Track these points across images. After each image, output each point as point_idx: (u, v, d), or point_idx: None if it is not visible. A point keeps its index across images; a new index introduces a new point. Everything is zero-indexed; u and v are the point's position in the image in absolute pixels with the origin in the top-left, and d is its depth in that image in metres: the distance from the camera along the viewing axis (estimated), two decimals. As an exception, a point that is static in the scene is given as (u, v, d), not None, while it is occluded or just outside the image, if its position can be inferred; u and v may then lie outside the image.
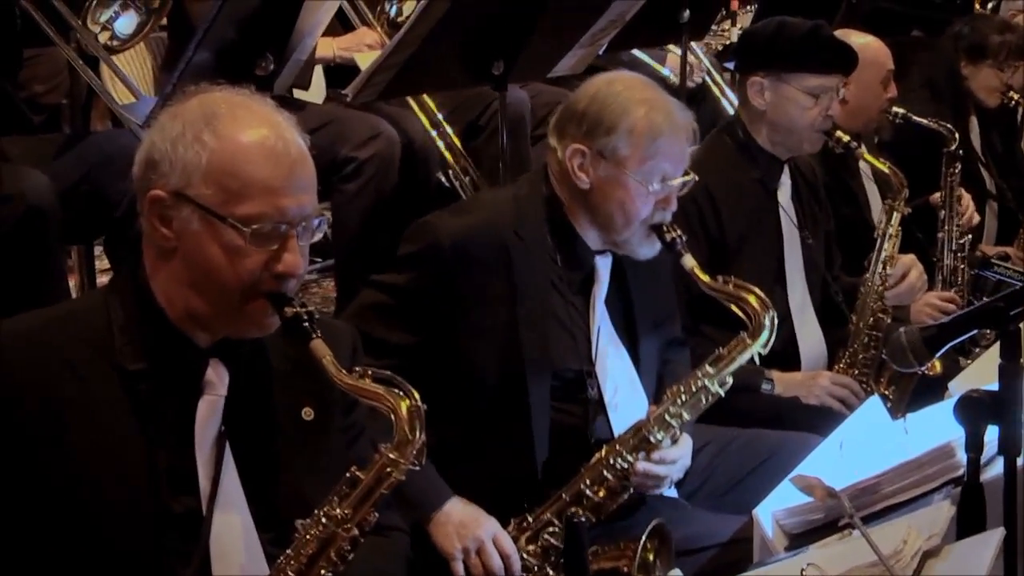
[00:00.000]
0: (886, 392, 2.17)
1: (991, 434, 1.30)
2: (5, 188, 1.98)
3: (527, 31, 2.36)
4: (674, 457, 1.73)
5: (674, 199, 1.78)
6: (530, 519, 1.76)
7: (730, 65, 3.20)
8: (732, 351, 1.73)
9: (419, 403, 1.31)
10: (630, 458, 1.72)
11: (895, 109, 2.75)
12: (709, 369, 1.73)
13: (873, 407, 1.79)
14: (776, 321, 1.74)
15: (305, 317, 1.32)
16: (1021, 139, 3.70)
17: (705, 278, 1.77)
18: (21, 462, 1.35)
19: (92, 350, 1.38)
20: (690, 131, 1.83)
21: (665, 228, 1.78)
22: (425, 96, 2.80)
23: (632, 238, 1.79)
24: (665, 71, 3.52)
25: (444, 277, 1.78)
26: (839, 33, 2.54)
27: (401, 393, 1.31)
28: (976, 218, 2.84)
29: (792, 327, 2.28)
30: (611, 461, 1.71)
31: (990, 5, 4.27)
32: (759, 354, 1.77)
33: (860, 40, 2.61)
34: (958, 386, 1.76)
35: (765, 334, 1.73)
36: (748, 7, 4.07)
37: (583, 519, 1.63)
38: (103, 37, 2.05)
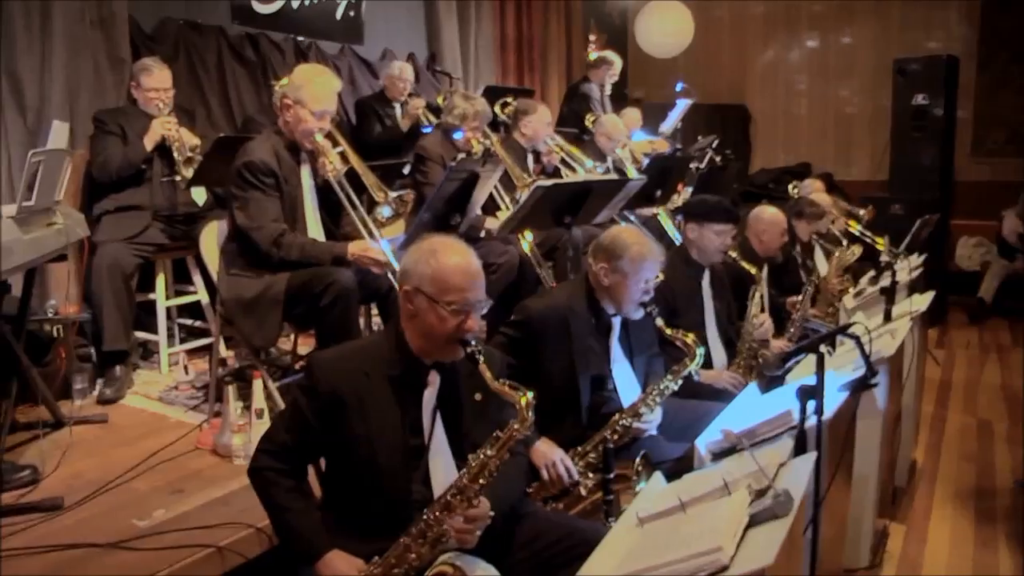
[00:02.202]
0: (756, 381, 2.85)
1: (810, 406, 1.97)
2: (329, 278, 3.01)
3: (583, 200, 3.76)
4: (652, 420, 2.81)
5: (652, 289, 2.89)
6: (579, 449, 2.79)
7: (680, 217, 4.56)
8: (681, 367, 2.85)
9: (531, 398, 1.94)
10: (630, 420, 2.79)
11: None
12: (670, 376, 2.85)
13: (751, 389, 2.60)
14: (703, 350, 2.87)
15: (477, 352, 1.99)
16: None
17: (667, 329, 2.90)
18: (339, 423, 2.03)
19: (374, 364, 2.07)
20: (660, 256, 2.93)
21: (647, 304, 2.88)
22: (528, 231, 3.94)
23: (630, 309, 2.89)
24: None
25: (533, 333, 2.86)
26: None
27: (522, 392, 1.95)
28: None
29: (709, 350, 3.52)
30: (622, 422, 2.79)
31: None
32: (696, 368, 2.87)
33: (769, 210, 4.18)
34: (793, 378, 2.56)
35: (698, 358, 2.85)
36: (688, 187, 5.57)
37: (611, 446, 2.63)
38: (378, 215, 3.26)
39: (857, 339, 2.21)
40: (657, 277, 2.94)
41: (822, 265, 5.33)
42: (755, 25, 9.37)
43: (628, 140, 5.97)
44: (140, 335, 4.33)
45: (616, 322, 2.99)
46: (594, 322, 2.95)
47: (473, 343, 2.01)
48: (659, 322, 2.92)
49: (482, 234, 4.27)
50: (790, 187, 6.44)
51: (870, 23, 8.78)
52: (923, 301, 3.73)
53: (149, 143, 4.15)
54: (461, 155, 4.34)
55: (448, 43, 7.59)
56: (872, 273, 4.78)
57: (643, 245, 2.91)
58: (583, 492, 2.71)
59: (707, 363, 3.43)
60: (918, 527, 3.46)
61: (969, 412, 4.99)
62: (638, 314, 2.94)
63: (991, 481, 3.96)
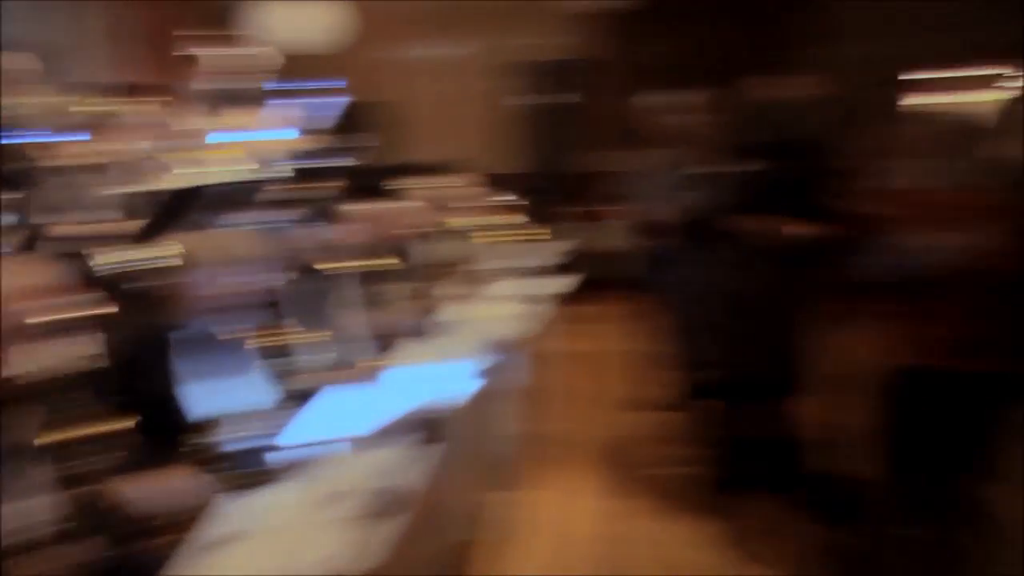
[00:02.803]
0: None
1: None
2: None
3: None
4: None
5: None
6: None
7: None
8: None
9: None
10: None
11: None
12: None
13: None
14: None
15: None
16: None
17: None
18: None
19: None
20: None
21: None
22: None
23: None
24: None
25: None
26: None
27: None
28: None
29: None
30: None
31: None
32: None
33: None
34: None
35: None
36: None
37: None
38: None
39: (479, 322, 2.31)
40: None
41: (459, 256, 5.59)
42: (404, 21, 9.60)
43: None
44: None
45: None
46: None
47: None
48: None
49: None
50: (434, 182, 6.68)
51: (510, 22, 9.36)
52: (559, 283, 4.06)
53: None
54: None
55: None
56: (515, 260, 5.11)
57: None
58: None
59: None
60: (529, 492, 3.76)
61: (595, 379, 5.56)
62: None
63: (600, 440, 4.43)
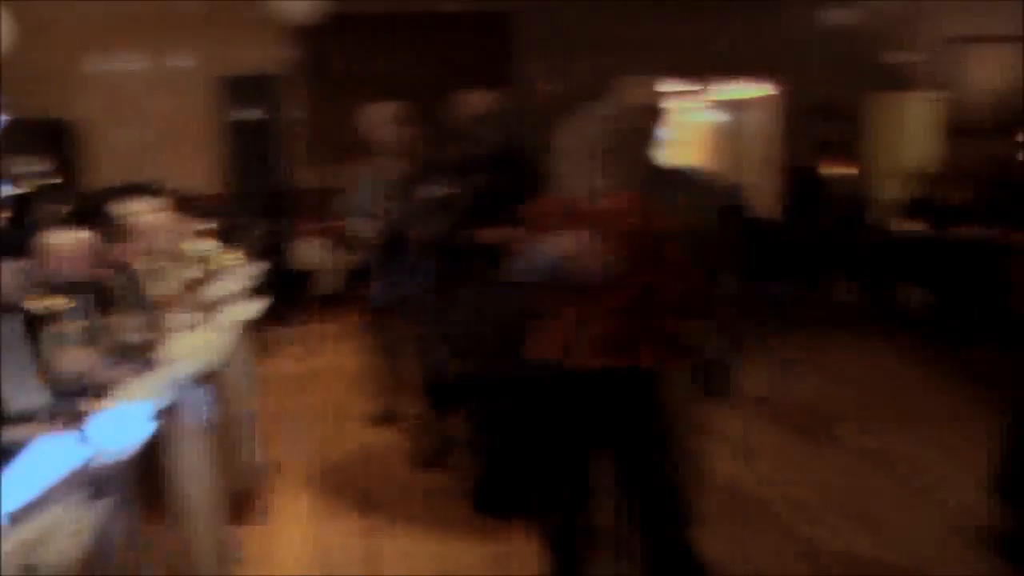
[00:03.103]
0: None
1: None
2: None
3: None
4: None
5: None
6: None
7: None
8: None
9: None
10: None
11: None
12: None
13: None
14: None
15: None
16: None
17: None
18: None
19: None
20: None
21: None
22: None
23: None
24: None
25: None
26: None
27: None
28: None
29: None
30: None
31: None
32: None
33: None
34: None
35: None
36: None
37: None
38: None
39: (183, 354, 2.16)
40: None
41: (164, 287, 5.22)
42: (83, 33, 8.77)
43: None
44: None
45: None
46: None
47: None
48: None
49: None
50: (125, 206, 6.17)
51: (202, 37, 8.91)
52: (254, 308, 3.91)
53: None
54: None
55: None
56: (220, 285, 4.83)
57: None
58: None
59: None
60: (269, 522, 3.63)
61: (319, 399, 5.45)
62: None
63: (333, 460, 4.36)
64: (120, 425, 1.77)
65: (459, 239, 3.22)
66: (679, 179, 2.35)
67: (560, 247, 2.21)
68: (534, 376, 2.35)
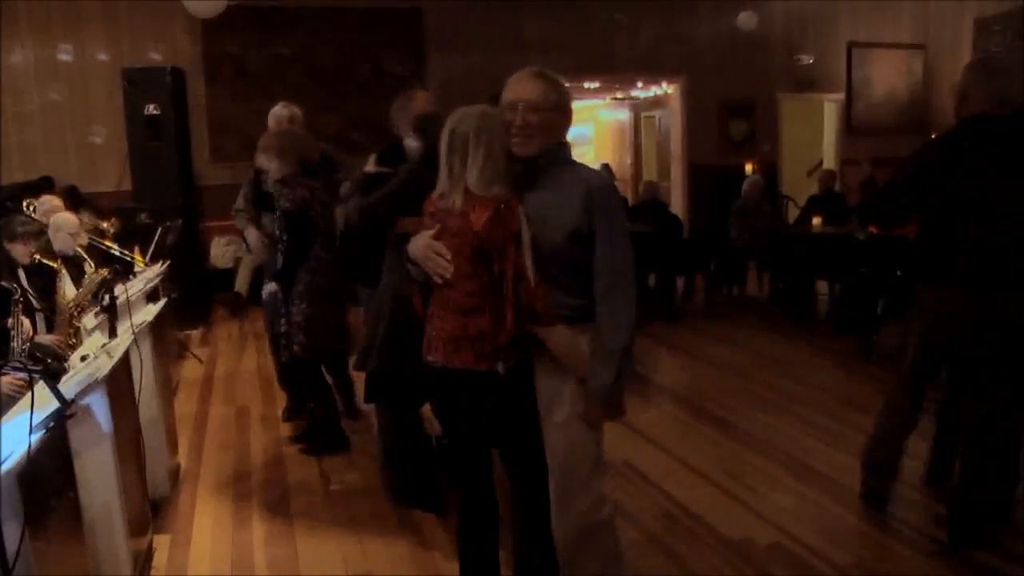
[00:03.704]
0: None
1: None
2: None
3: None
4: None
5: None
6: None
7: None
8: None
9: None
10: None
11: None
12: None
13: None
14: None
15: None
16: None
17: None
18: None
19: None
20: None
21: None
22: None
23: None
24: None
25: None
26: None
27: None
28: None
29: None
30: None
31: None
32: None
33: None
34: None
35: None
36: None
37: None
38: None
39: (46, 372, 2.06)
40: None
41: (70, 288, 5.00)
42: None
43: None
44: None
45: None
46: None
47: None
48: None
49: None
50: (25, 204, 5.88)
51: (100, 31, 8.57)
52: (152, 311, 3.77)
53: None
54: None
55: None
56: (123, 288, 4.64)
57: None
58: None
59: None
60: (184, 530, 3.52)
61: (230, 402, 5.31)
62: None
63: (247, 463, 4.25)
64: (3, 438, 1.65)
65: (381, 219, 3.17)
66: (551, 178, 2.31)
67: (413, 246, 2.31)
68: (425, 372, 2.39)
